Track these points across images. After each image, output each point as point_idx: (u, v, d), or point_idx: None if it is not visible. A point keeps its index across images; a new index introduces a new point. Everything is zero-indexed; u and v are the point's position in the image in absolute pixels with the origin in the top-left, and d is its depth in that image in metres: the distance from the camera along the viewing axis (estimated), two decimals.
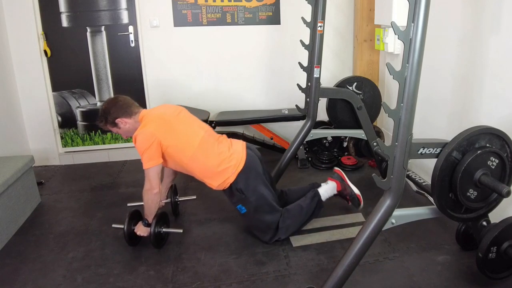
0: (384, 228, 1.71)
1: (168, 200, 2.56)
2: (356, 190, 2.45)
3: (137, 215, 2.31)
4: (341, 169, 2.71)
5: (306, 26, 2.82)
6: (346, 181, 2.47)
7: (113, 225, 2.36)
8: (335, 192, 2.46)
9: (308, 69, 2.87)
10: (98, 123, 2.27)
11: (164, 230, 2.29)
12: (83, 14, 3.44)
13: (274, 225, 2.24)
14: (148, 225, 2.22)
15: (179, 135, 2.18)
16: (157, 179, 2.14)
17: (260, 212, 2.22)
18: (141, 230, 2.23)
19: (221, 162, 2.18)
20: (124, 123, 2.21)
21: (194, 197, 2.66)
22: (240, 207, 2.24)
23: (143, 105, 3.72)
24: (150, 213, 2.22)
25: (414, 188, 2.55)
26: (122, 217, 2.32)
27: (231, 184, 2.20)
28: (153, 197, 2.16)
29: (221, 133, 3.60)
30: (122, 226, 2.25)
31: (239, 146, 2.28)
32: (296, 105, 3.01)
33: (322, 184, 2.49)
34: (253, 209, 2.22)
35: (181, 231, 2.33)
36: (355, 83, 3.11)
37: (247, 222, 2.34)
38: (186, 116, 2.32)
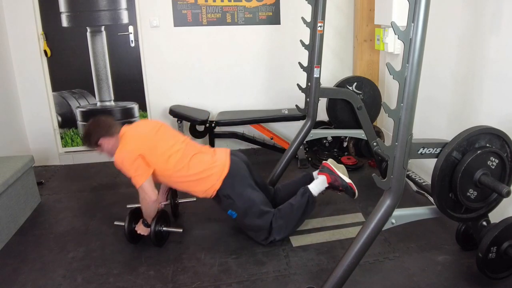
0: (384, 228, 1.71)
1: (168, 202, 2.56)
2: (347, 180, 2.38)
3: (138, 213, 2.31)
4: None
5: (306, 26, 2.82)
6: (335, 172, 2.40)
7: (115, 222, 2.37)
8: (326, 185, 2.39)
9: (308, 69, 2.87)
10: (84, 144, 2.32)
11: (164, 229, 2.29)
12: (83, 14, 3.44)
13: (267, 226, 2.24)
14: (148, 225, 2.23)
15: (160, 150, 2.22)
16: (151, 189, 2.16)
17: (250, 215, 2.24)
18: (141, 229, 2.25)
19: (204, 170, 2.22)
20: (107, 143, 2.24)
21: (194, 199, 2.65)
22: (231, 212, 2.27)
23: (143, 106, 3.72)
24: (149, 217, 2.24)
25: (414, 188, 2.55)
26: (122, 217, 2.33)
27: (217, 191, 2.24)
28: (152, 205, 2.18)
29: (221, 133, 3.63)
30: (123, 224, 2.26)
31: (223, 154, 2.32)
32: (296, 105, 3.01)
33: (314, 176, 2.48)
34: (242, 213, 2.24)
35: (181, 230, 2.33)
36: (355, 83, 3.11)
37: (240, 226, 2.35)
38: (165, 130, 2.35)
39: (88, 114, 3.68)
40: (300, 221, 2.36)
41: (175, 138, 2.32)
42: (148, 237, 2.24)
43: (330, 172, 2.41)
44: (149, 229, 2.22)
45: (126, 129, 2.27)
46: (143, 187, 2.13)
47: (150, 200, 2.15)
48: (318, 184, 2.38)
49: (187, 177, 2.22)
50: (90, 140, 2.25)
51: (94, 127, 2.26)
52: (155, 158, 2.19)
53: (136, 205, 2.36)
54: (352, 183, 2.39)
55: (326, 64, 3.48)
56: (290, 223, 2.29)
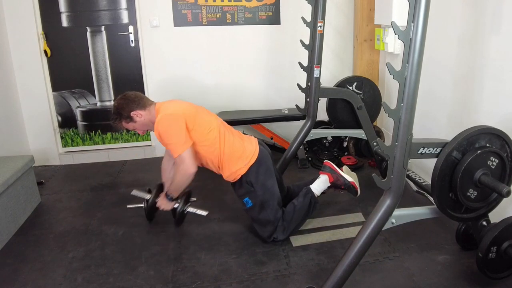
0: (384, 228, 1.71)
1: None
2: (349, 179, 2.39)
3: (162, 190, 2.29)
4: None
5: (306, 26, 2.82)
6: (337, 171, 2.41)
7: (128, 206, 2.34)
8: (328, 184, 2.40)
9: (308, 69, 2.87)
10: (113, 122, 2.26)
11: (189, 210, 2.23)
12: (83, 14, 3.44)
13: (276, 223, 2.25)
14: (172, 199, 2.18)
15: (200, 121, 2.19)
16: (192, 159, 2.11)
17: (265, 207, 2.23)
18: (165, 204, 2.19)
19: (235, 152, 2.21)
20: (140, 115, 2.21)
21: (195, 199, 2.65)
22: (247, 200, 2.25)
23: None
24: (177, 191, 2.18)
25: (414, 188, 2.55)
26: (122, 217, 2.33)
27: (242, 176, 2.23)
28: (189, 177, 2.13)
29: None
30: (139, 205, 2.26)
31: (253, 140, 2.33)
32: (296, 105, 3.01)
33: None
34: (259, 203, 2.23)
35: (207, 213, 2.29)
36: (355, 83, 3.11)
37: (250, 216, 2.33)
38: (201, 107, 2.35)
39: (88, 114, 3.68)
40: (302, 221, 2.36)
41: (211, 115, 2.32)
42: (151, 235, 2.22)
43: (331, 171, 2.41)
44: (173, 204, 2.16)
45: (161, 103, 2.24)
46: (183, 156, 2.09)
47: (188, 171, 2.10)
48: (320, 184, 2.39)
49: (220, 154, 2.21)
50: (122, 114, 2.20)
51: (123, 101, 2.21)
52: (197, 126, 2.16)
53: (137, 205, 2.35)
54: (355, 181, 2.39)
55: (326, 64, 3.49)
56: (292, 223, 2.29)
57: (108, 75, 3.62)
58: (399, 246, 2.22)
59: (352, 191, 2.40)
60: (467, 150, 1.70)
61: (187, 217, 2.62)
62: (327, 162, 2.47)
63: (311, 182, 2.45)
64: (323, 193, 2.41)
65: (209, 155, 2.23)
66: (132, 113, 2.19)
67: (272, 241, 2.28)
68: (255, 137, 2.42)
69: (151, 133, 3.80)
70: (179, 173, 2.13)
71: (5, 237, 2.38)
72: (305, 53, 2.87)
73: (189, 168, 2.10)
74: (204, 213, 2.30)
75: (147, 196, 2.41)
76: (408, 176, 2.47)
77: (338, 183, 2.40)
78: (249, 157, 2.23)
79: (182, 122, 2.11)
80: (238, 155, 2.22)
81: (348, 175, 2.41)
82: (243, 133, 2.44)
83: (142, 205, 2.45)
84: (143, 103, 2.22)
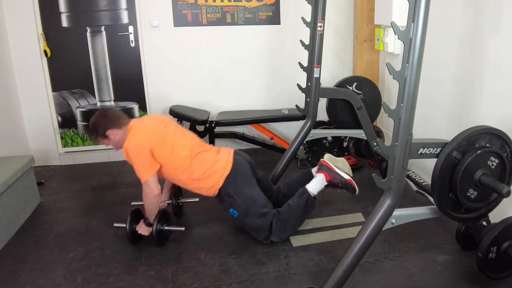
0: (384, 228, 1.71)
1: (170, 200, 2.55)
2: (346, 176, 2.35)
3: (138, 214, 2.32)
4: None
5: (306, 26, 2.82)
6: (334, 170, 2.37)
7: (115, 224, 2.37)
8: (325, 183, 2.37)
9: (308, 69, 2.87)
10: (89, 137, 2.32)
11: (166, 228, 2.29)
12: (83, 14, 3.44)
13: (267, 225, 2.24)
14: (149, 224, 2.24)
15: (167, 146, 2.22)
16: (155, 184, 2.17)
17: (251, 214, 2.24)
18: (143, 229, 2.25)
19: (207, 170, 2.23)
20: (115, 134, 2.24)
21: (197, 199, 2.64)
22: (232, 211, 2.27)
23: (143, 106, 3.72)
24: (151, 214, 2.24)
25: (414, 188, 2.55)
26: (123, 217, 2.33)
27: (220, 189, 2.24)
28: (154, 199, 2.19)
29: (221, 133, 3.63)
30: (124, 225, 2.26)
31: (226, 153, 2.33)
32: (296, 105, 3.01)
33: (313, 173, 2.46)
34: (243, 212, 2.24)
35: (183, 228, 2.33)
36: (355, 83, 3.11)
37: (242, 224, 2.35)
38: (172, 126, 2.35)
39: (88, 114, 3.68)
40: (300, 221, 2.35)
41: (182, 134, 2.34)
42: (149, 237, 2.24)
43: (328, 170, 2.38)
44: (151, 228, 2.23)
45: (134, 122, 2.28)
46: (148, 182, 2.14)
47: (153, 194, 2.16)
48: (316, 183, 2.36)
49: (191, 176, 2.24)
50: (98, 131, 2.25)
51: (101, 118, 2.26)
52: (163, 152, 2.19)
53: (141, 203, 2.35)
54: (352, 179, 2.36)
55: (326, 64, 3.49)
56: (290, 224, 2.28)
57: (108, 75, 3.62)
58: (399, 246, 2.22)
59: (350, 189, 2.36)
60: (467, 150, 1.70)
61: (187, 218, 2.63)
62: (323, 160, 2.44)
63: (300, 179, 2.45)
64: (321, 192, 2.38)
65: (180, 177, 2.26)
66: (108, 132, 2.24)
67: (271, 242, 2.28)
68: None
69: None
70: (146, 196, 2.19)
71: (5, 237, 2.38)
72: (305, 53, 2.87)
73: (153, 191, 2.16)
74: (181, 229, 2.34)
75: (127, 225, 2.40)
76: (408, 176, 2.46)
77: (335, 181, 2.36)
78: (222, 169, 2.24)
79: (147, 151, 2.15)
80: (211, 170, 2.23)
81: (346, 170, 2.38)
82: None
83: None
84: (120, 122, 2.26)
